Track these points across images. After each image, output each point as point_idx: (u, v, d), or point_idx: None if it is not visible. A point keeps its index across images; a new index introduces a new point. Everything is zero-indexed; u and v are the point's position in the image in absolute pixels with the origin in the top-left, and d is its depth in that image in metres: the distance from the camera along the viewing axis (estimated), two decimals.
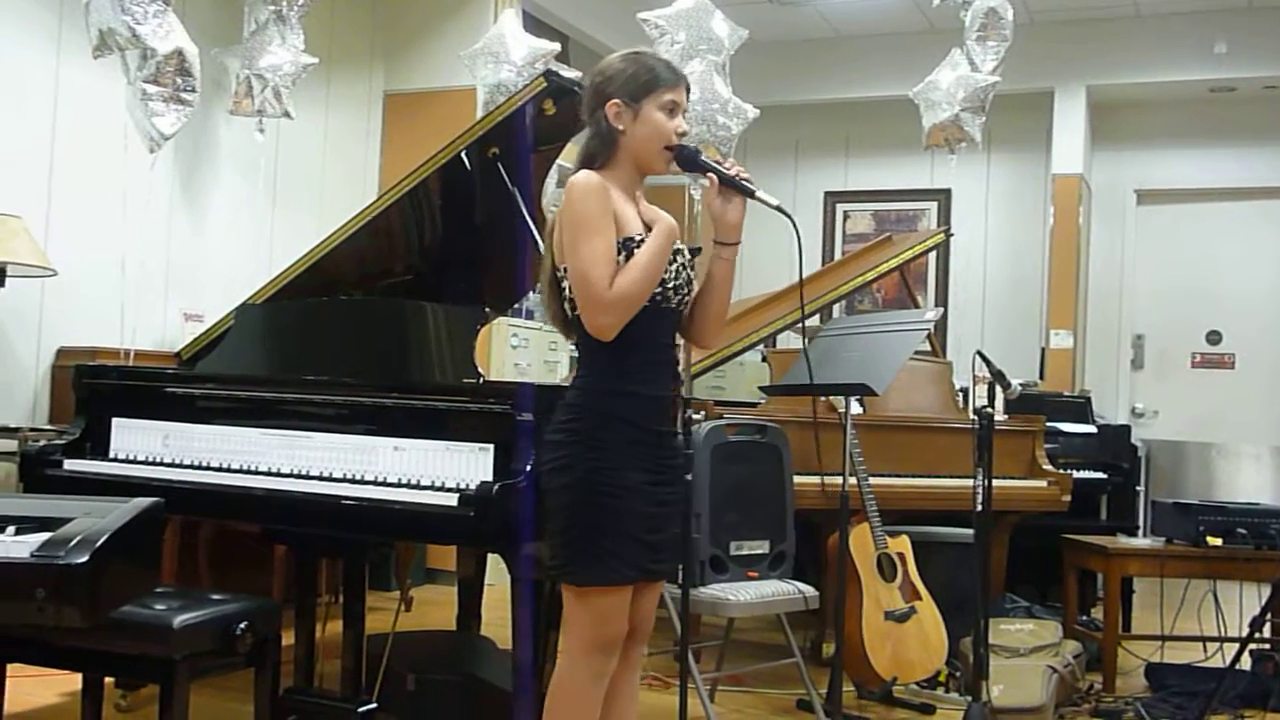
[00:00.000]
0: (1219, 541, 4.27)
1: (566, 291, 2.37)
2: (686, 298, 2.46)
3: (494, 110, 3.29)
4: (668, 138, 2.40)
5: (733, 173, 2.40)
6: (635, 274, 2.30)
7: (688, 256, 2.48)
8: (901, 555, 4.01)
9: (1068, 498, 4.62)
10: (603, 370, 2.36)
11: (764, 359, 5.33)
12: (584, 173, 2.36)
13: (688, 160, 2.42)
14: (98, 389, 3.37)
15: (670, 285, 2.40)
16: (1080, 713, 3.97)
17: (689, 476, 3.30)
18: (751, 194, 2.40)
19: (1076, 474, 5.00)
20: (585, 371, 2.40)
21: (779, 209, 2.39)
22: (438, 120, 5.70)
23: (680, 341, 2.53)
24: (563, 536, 2.35)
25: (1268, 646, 4.24)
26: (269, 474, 2.99)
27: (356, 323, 3.21)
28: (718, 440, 3.71)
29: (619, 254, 2.32)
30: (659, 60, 2.44)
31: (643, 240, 2.34)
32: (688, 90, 2.46)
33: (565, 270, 2.36)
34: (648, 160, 2.42)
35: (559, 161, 3.59)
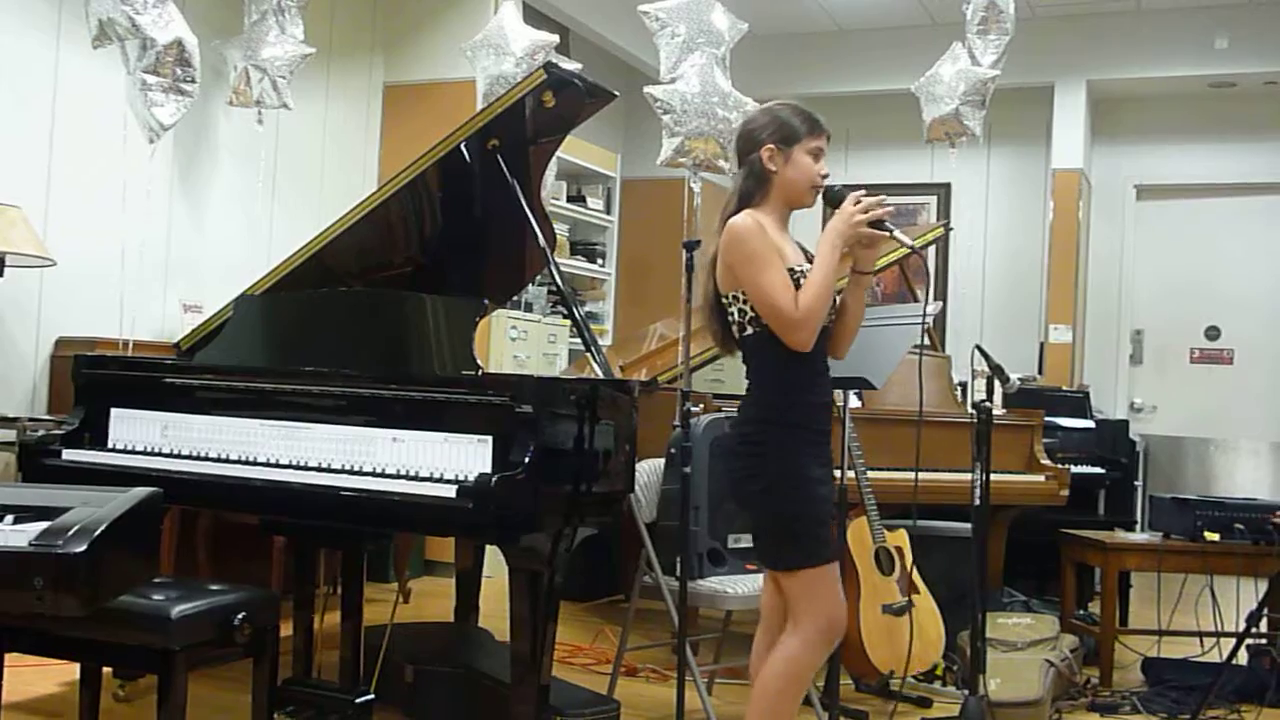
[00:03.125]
0: (1216, 537, 4.28)
1: (735, 316, 2.66)
2: (834, 314, 2.73)
3: (494, 102, 3.29)
4: (814, 179, 2.70)
5: (878, 214, 2.64)
6: (815, 288, 2.58)
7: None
8: (899, 549, 4.01)
9: (1066, 492, 4.62)
10: (793, 384, 2.64)
11: None
12: (740, 214, 2.64)
13: (836, 200, 2.69)
14: (96, 379, 3.37)
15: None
16: (1077, 707, 3.98)
17: (687, 470, 3.32)
18: (891, 234, 2.67)
19: (1074, 469, 5.00)
20: (774, 386, 2.65)
21: (910, 247, 2.76)
22: (437, 112, 5.69)
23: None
24: (796, 529, 2.62)
25: (1264, 641, 4.25)
26: (267, 465, 2.99)
27: (355, 314, 3.20)
28: (716, 433, 3.70)
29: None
30: (806, 111, 2.72)
31: (804, 272, 2.62)
32: (828, 138, 2.74)
33: (732, 298, 2.65)
34: (798, 197, 2.72)
35: (559, 154, 3.59)
